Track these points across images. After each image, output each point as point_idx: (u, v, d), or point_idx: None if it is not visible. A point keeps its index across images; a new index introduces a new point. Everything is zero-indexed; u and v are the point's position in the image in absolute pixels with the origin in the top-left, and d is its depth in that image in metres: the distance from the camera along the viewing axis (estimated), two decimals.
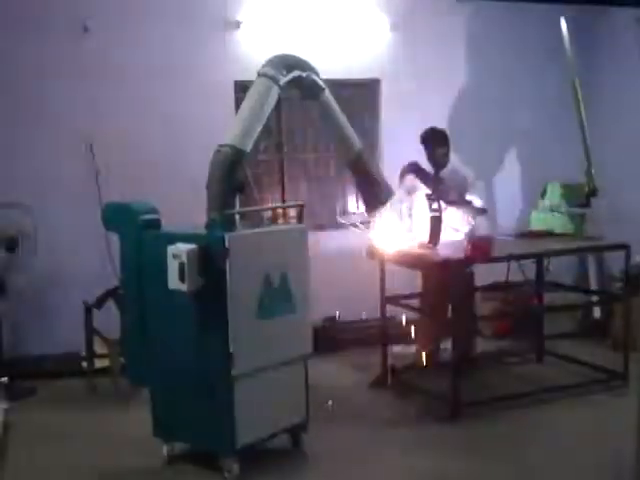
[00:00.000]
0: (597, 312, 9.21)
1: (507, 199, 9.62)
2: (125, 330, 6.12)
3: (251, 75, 6.39)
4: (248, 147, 6.00)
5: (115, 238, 6.07)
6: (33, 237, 7.55)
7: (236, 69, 8.42)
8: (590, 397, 7.16)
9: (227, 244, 5.36)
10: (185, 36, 8.46)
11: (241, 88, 8.11)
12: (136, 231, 5.78)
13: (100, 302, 7.38)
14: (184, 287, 5.34)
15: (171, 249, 5.38)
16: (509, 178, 9.79)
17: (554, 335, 8.64)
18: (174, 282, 5.38)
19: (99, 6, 8.26)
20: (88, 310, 7.50)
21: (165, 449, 5.94)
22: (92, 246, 7.86)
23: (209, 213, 5.82)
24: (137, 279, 5.83)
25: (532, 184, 8.71)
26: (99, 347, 7.65)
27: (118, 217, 5.93)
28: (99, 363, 7.70)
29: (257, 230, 6.04)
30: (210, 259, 5.39)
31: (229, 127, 6.09)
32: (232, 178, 5.87)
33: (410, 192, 7.45)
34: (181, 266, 5.31)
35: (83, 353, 7.81)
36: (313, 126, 9.17)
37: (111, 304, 7.27)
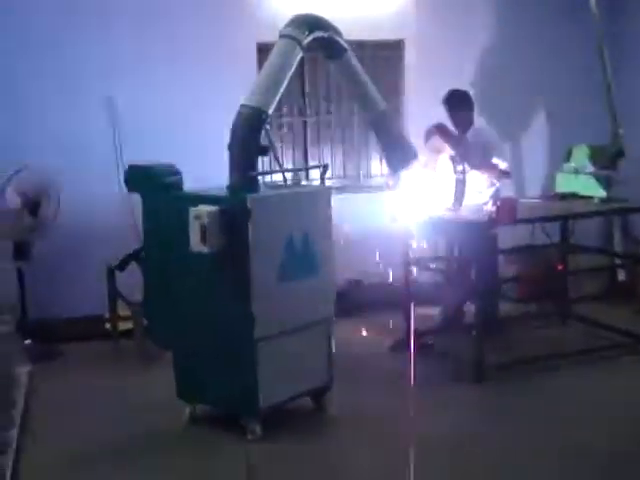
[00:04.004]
0: (622, 275, 9.15)
1: (533, 161, 9.53)
2: (147, 293, 6.12)
3: (274, 37, 6.32)
4: (270, 108, 5.93)
5: (138, 200, 6.05)
6: (55, 200, 7.57)
7: (259, 31, 8.33)
8: (615, 361, 7.13)
9: (249, 206, 5.33)
10: None
11: (264, 50, 8.03)
12: (158, 193, 5.76)
13: (123, 264, 7.33)
14: (205, 249, 5.33)
15: (193, 211, 5.36)
16: (535, 140, 9.66)
17: (579, 298, 8.61)
18: (196, 244, 5.36)
19: None
20: (111, 272, 7.50)
21: (188, 411, 5.97)
22: (115, 208, 7.83)
23: (231, 175, 5.79)
24: (159, 241, 5.83)
25: (558, 146, 8.61)
26: (122, 310, 7.68)
27: (141, 179, 5.91)
28: (123, 326, 7.72)
29: (280, 191, 6.02)
30: (232, 221, 5.36)
31: (251, 88, 6.04)
32: (254, 139, 5.81)
33: (435, 153, 7.39)
34: (202, 228, 5.28)
35: (107, 316, 7.85)
36: (336, 87, 9.10)
37: (134, 266, 7.27)
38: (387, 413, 6.09)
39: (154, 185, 5.78)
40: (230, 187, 5.72)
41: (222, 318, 5.56)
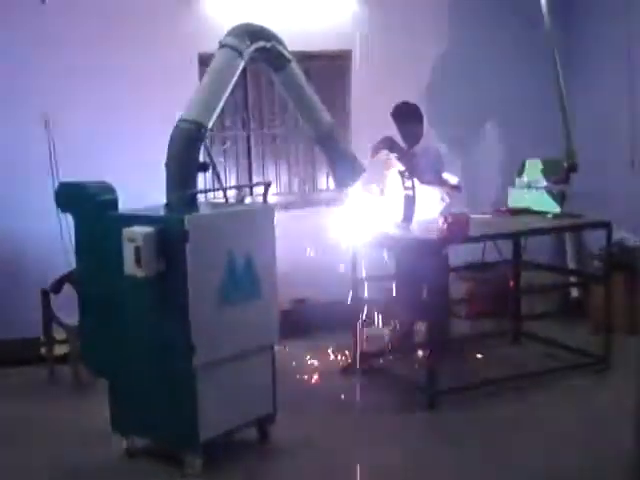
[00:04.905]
0: (575, 292, 8.99)
1: (485, 176, 9.33)
2: (82, 316, 5.80)
3: (216, 47, 6.05)
4: (209, 122, 5.66)
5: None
6: None
7: (200, 41, 8.03)
8: (570, 382, 6.93)
9: (187, 226, 5.03)
10: (147, 6, 8.07)
11: (206, 61, 7.74)
12: (91, 213, 5.43)
13: (57, 286, 7.06)
14: (140, 273, 5.03)
15: (126, 232, 5.05)
16: (487, 154, 9.43)
17: (531, 316, 8.42)
18: (130, 267, 5.06)
19: None
20: (45, 294, 7.20)
21: (125, 443, 5.64)
22: (51, 228, 7.49)
23: (169, 193, 5.50)
24: (93, 263, 5.50)
25: (510, 161, 8.43)
26: (60, 333, 7.33)
27: (72, 198, 5.58)
28: (60, 350, 7.40)
29: (219, 211, 5.75)
30: (169, 243, 5.07)
31: (189, 101, 5.75)
32: (193, 155, 5.54)
33: (383, 168, 7.16)
34: (137, 250, 4.99)
35: (43, 339, 7.50)
36: (280, 100, 8.84)
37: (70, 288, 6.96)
38: (334, 444, 5.83)
39: (87, 204, 5.46)
40: (167, 206, 5.44)
41: (159, 345, 5.26)
